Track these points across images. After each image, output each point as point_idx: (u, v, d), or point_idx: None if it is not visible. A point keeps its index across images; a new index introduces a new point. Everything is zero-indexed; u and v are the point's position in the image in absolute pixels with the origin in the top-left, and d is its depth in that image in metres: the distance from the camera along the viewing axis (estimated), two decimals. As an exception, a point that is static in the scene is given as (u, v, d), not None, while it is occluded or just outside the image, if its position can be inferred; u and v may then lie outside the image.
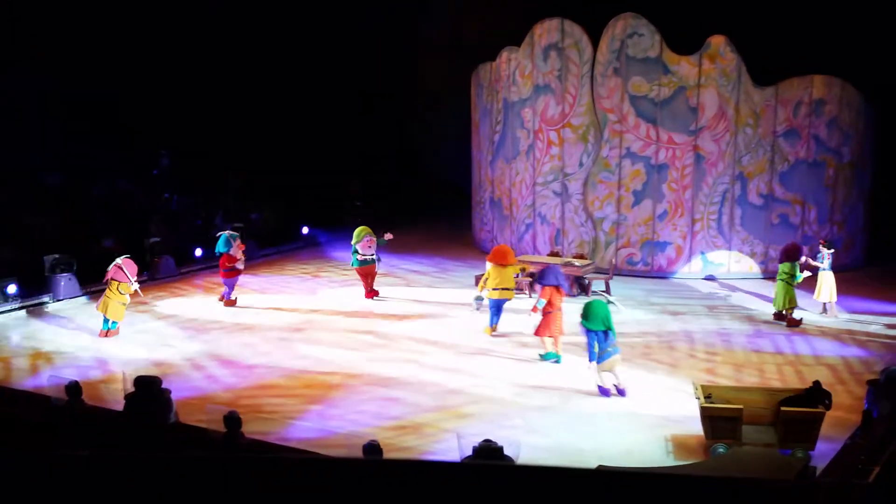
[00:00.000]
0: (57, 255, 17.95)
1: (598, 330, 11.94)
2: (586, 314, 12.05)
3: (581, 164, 19.83)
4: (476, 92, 22.87)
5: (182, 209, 23.31)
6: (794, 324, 15.44)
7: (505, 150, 21.38)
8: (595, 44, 19.31)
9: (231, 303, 17.31)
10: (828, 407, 9.94)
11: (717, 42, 18.59)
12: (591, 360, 12.13)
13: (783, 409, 9.87)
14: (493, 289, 15.10)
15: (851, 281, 17.99)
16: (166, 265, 19.50)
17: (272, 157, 25.94)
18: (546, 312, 13.45)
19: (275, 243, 22.72)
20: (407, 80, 29.77)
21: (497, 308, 15.13)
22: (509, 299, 15.26)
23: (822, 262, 15.92)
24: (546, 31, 19.94)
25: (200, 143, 24.70)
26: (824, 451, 9.75)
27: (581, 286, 17.88)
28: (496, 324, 15.16)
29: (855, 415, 10.61)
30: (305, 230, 23.59)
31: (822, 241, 16.57)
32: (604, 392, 12.18)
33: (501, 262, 15.20)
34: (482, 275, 15.88)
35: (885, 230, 20.85)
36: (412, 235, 24.55)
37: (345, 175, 26.87)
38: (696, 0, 21.26)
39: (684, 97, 18.80)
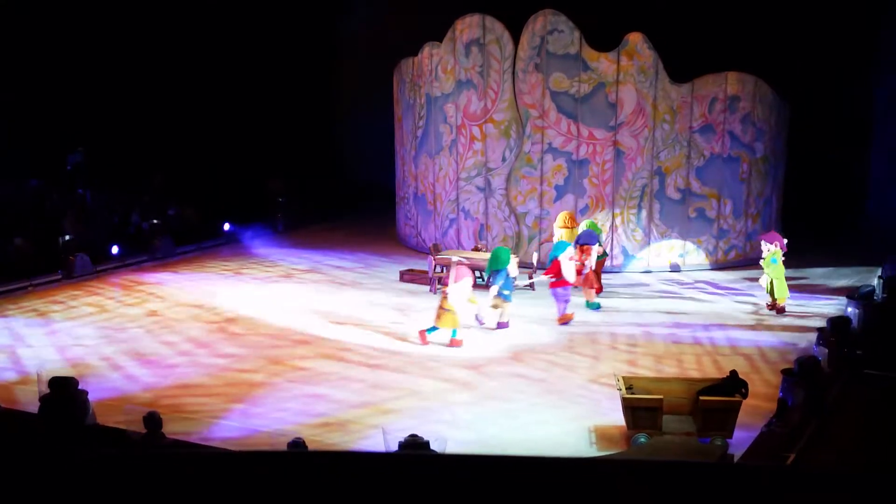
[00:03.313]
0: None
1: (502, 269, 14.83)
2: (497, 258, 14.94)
3: (504, 160, 19.97)
4: (398, 87, 22.83)
5: (97, 206, 22.70)
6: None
7: (428, 145, 21.39)
8: (516, 40, 19.45)
9: (566, 318, 15.42)
10: (744, 396, 10.20)
11: (635, 39, 18.89)
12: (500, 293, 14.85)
13: (701, 398, 10.10)
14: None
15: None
16: (82, 263, 18.99)
17: (192, 152, 25.46)
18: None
19: (195, 240, 22.32)
20: (329, 74, 29.52)
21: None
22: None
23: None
24: (467, 27, 20.01)
25: (117, 138, 24.12)
26: (742, 438, 10.00)
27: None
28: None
29: (770, 403, 10.90)
30: (227, 227, 23.23)
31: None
32: (479, 321, 15.07)
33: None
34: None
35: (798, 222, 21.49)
36: (335, 232, 24.42)
37: (266, 171, 26.54)
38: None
39: (603, 93, 19.07)
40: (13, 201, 21.76)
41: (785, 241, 16.19)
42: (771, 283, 16.04)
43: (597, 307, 16.32)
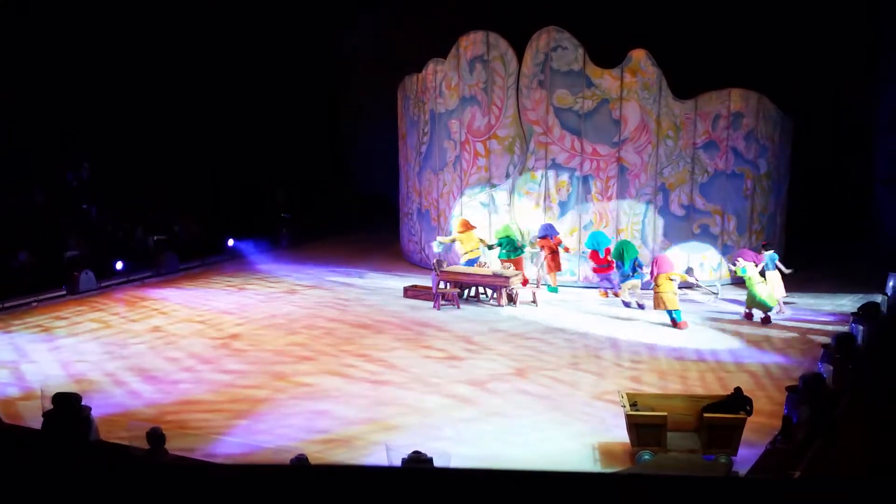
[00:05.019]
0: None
1: (616, 261, 17.68)
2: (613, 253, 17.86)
3: (508, 175, 20.00)
4: (402, 103, 22.89)
5: (102, 221, 22.74)
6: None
7: (432, 161, 21.43)
8: (520, 57, 19.52)
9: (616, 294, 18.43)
10: (749, 413, 10.15)
11: (638, 56, 18.94)
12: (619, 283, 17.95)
13: (706, 415, 10.06)
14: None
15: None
16: (86, 279, 19.02)
17: (196, 167, 25.53)
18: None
19: (199, 256, 22.36)
20: (333, 88, 29.63)
21: None
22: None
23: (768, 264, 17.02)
24: (472, 44, 20.09)
25: (122, 152, 24.17)
26: (746, 456, 9.95)
27: (509, 296, 18.01)
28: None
29: (775, 420, 10.85)
30: (231, 242, 23.26)
31: (764, 244, 18.07)
32: (625, 304, 17.77)
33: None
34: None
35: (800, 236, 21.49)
36: (339, 247, 24.44)
37: (270, 186, 26.60)
38: (617, 15, 21.71)
39: (607, 110, 19.11)
40: (18, 216, 21.77)
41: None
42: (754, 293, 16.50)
43: (555, 290, 18.99)
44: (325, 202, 27.78)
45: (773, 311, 16.73)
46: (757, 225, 20.13)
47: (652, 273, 16.80)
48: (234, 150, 26.27)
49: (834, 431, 10.13)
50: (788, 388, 10.98)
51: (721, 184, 19.50)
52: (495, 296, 18.06)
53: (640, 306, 17.67)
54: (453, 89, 20.55)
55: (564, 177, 19.53)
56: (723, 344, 15.26)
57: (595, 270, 18.76)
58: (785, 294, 17.23)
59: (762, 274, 16.70)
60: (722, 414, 10.06)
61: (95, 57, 23.89)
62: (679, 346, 15.12)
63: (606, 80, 19.04)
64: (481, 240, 19.39)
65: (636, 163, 19.20)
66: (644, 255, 18.71)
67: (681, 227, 19.47)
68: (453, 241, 19.62)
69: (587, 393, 12.73)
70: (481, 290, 18.56)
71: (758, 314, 16.70)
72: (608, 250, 18.35)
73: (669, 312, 16.39)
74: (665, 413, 10.07)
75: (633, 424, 10.07)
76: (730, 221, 19.71)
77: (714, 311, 17.52)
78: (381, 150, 26.64)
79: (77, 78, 23.73)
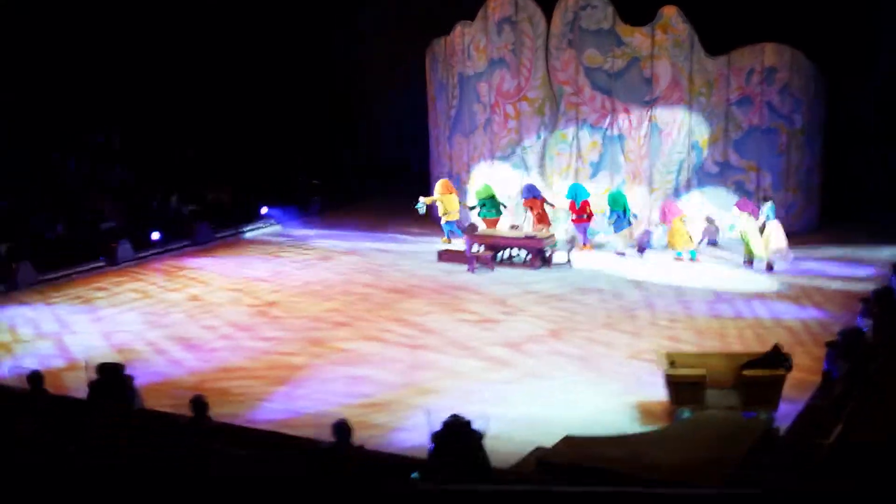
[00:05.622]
0: (11, 243, 17.58)
1: (616, 210, 18.13)
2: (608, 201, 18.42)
3: (538, 137, 19.90)
4: (431, 67, 22.74)
5: (136, 189, 22.76)
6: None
7: (462, 124, 21.35)
8: (548, 17, 19.34)
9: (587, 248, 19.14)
10: (788, 369, 10.12)
11: (669, 13, 18.70)
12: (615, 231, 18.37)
13: (745, 372, 10.04)
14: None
15: (806, 244, 18.29)
16: (124, 250, 19.21)
17: (224, 136, 25.56)
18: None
19: (233, 224, 22.46)
20: (357, 54, 29.32)
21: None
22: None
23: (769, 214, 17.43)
24: (499, 5, 19.91)
25: (150, 121, 24.21)
26: (787, 411, 9.94)
27: (543, 258, 17.98)
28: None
29: (815, 376, 10.82)
30: (264, 210, 23.34)
31: (764, 195, 18.40)
32: (620, 254, 18.34)
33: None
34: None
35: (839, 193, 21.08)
36: (372, 212, 24.44)
37: (298, 152, 26.55)
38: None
39: (638, 68, 18.91)
40: (52, 187, 21.89)
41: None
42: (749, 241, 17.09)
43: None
44: (356, 167, 27.61)
45: (784, 261, 17.05)
46: (792, 181, 19.82)
47: (664, 218, 17.95)
48: (259, 117, 26.16)
49: (874, 386, 10.07)
50: (828, 344, 10.89)
51: (755, 140, 19.24)
52: (529, 257, 18.04)
53: (641, 250, 18.42)
54: (481, 52, 20.40)
55: (596, 137, 19.42)
56: (760, 300, 15.17)
57: (573, 221, 18.97)
58: (786, 245, 17.18)
59: (762, 225, 17.18)
60: (761, 371, 10.04)
61: (122, 25, 23.90)
62: (715, 303, 15.05)
63: (637, 39, 18.82)
64: (461, 202, 19.97)
65: (669, 121, 19.01)
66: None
67: (715, 185, 19.27)
68: (433, 202, 19.98)
69: (623, 353, 12.75)
70: (515, 251, 18.51)
71: (762, 264, 17.07)
72: (586, 202, 18.73)
73: (680, 252, 17.69)
74: (704, 371, 10.06)
75: (672, 383, 10.08)
76: (765, 177, 19.44)
77: (747, 267, 17.36)
78: (406, 114, 26.12)
79: (107, 46, 23.76)
